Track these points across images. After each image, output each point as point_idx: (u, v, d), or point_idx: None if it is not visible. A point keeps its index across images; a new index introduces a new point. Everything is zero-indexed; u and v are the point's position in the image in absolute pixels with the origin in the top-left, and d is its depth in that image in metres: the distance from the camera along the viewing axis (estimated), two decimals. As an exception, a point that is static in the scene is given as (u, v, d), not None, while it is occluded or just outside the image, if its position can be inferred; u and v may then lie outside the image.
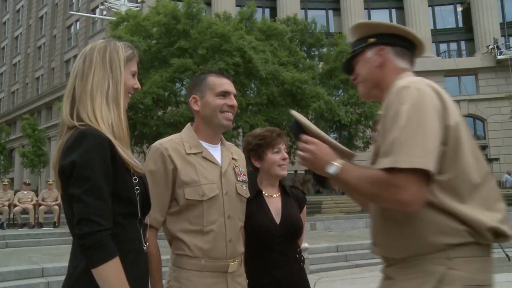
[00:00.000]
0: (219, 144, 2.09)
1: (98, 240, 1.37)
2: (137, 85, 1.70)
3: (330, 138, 1.61)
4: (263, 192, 2.42)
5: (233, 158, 2.09)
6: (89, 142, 1.45)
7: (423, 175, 1.30)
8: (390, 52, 1.60)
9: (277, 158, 2.39)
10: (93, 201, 1.39)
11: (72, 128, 1.53)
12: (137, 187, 1.56)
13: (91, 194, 1.40)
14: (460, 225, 1.37)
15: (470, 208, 1.38)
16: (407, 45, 1.62)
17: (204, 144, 2.03)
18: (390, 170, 1.31)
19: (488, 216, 1.38)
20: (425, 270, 1.39)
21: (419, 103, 1.36)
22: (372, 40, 1.61)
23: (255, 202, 2.34)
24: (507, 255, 2.27)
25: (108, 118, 1.55)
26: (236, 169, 2.07)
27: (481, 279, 1.38)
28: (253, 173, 2.48)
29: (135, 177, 1.56)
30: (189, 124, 2.12)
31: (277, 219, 2.33)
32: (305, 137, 1.56)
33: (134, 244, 1.55)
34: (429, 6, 29.95)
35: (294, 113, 1.66)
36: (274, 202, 2.40)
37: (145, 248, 1.60)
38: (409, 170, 1.28)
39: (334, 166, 1.46)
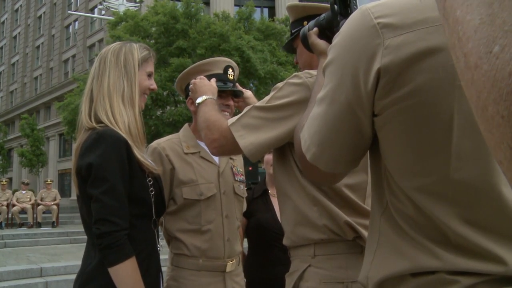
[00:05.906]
0: (217, 144, 2.09)
1: (115, 240, 1.39)
2: (154, 85, 1.71)
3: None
4: (269, 192, 2.45)
5: (230, 158, 2.10)
6: (106, 144, 1.46)
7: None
8: None
9: (269, 157, 2.43)
10: (110, 201, 1.42)
11: (90, 129, 1.54)
12: (151, 188, 1.58)
13: (109, 195, 1.42)
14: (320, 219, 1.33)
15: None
16: None
17: (202, 144, 2.03)
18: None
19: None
20: (295, 265, 1.39)
21: None
22: (305, 23, 1.53)
23: (261, 200, 2.38)
24: None
25: (124, 118, 1.56)
26: (233, 169, 2.08)
27: (344, 276, 1.32)
28: (253, 173, 2.50)
29: (149, 178, 1.58)
30: (186, 124, 2.13)
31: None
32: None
33: (147, 245, 1.57)
34: None
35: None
36: None
37: (159, 247, 1.63)
38: None
39: (202, 98, 1.61)
